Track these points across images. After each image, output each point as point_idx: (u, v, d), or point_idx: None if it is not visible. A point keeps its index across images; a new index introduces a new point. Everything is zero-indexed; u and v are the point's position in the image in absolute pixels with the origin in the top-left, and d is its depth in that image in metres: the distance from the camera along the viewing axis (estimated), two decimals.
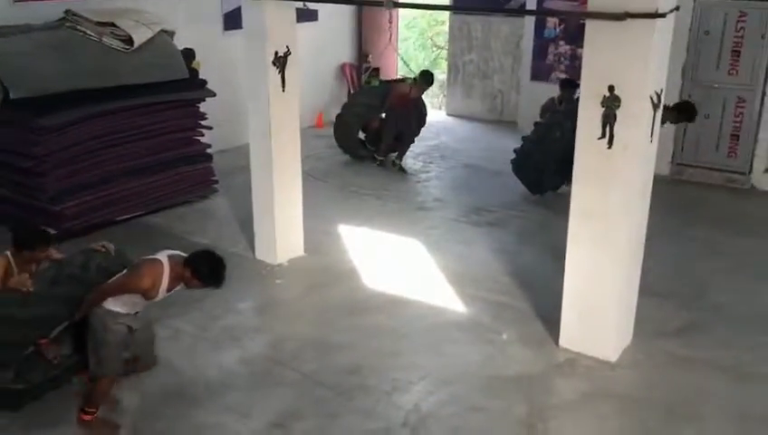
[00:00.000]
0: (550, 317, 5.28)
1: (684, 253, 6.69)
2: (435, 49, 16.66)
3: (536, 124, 8.25)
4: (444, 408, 4.49)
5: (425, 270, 6.42)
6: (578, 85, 7.73)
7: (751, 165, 8.57)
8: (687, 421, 4.33)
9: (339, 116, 9.67)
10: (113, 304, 3.97)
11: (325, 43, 11.25)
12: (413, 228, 7.37)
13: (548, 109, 8.47)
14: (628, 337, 5.16)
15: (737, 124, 8.55)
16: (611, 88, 4.44)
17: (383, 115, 9.42)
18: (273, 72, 5.96)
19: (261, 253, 6.55)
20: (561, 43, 9.82)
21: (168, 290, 3.94)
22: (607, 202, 4.66)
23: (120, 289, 3.93)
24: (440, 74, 13.27)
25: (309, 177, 8.55)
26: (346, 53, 12.00)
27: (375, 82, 11.18)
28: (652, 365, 4.95)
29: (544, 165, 7.82)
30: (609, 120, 4.50)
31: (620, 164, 4.56)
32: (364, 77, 11.79)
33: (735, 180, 8.66)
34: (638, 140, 4.51)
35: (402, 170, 9.22)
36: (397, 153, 9.37)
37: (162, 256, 3.92)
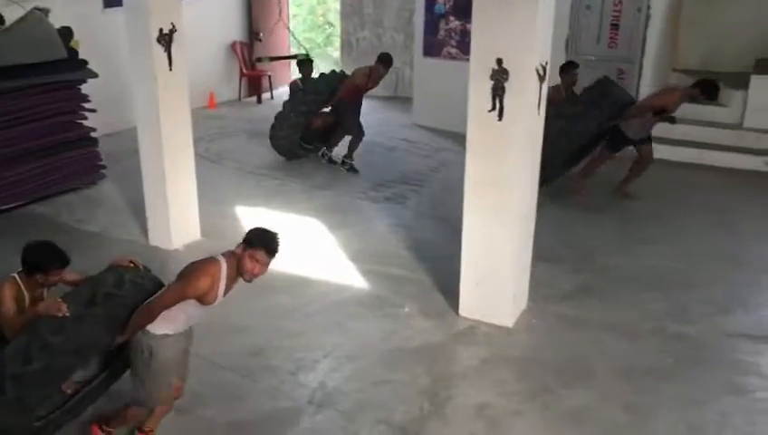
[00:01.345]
0: (449, 288, 5.39)
1: (573, 218, 6.98)
2: (327, 26, 16.53)
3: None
4: (349, 383, 4.51)
5: (325, 248, 6.40)
6: (577, 65, 7.92)
7: None
8: (581, 379, 4.54)
9: (273, 129, 8.54)
10: (161, 326, 3.53)
11: (214, 21, 10.93)
12: (312, 207, 7.33)
13: (553, 101, 7.92)
14: (524, 302, 5.36)
15: None
16: (499, 61, 4.55)
17: (334, 110, 8.49)
18: (159, 51, 5.73)
19: (155, 239, 6.34)
20: (452, 18, 9.94)
21: (225, 292, 3.54)
22: (499, 172, 4.79)
23: (174, 298, 3.45)
24: (333, 52, 13.20)
25: (203, 159, 8.34)
26: (236, 31, 11.72)
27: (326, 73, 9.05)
28: (547, 328, 5.16)
29: (557, 166, 7.36)
30: (498, 92, 4.61)
31: (510, 135, 4.69)
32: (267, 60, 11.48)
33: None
34: (526, 111, 4.65)
35: (353, 170, 8.36)
36: (347, 151, 8.45)
37: (215, 256, 3.53)
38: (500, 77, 4.58)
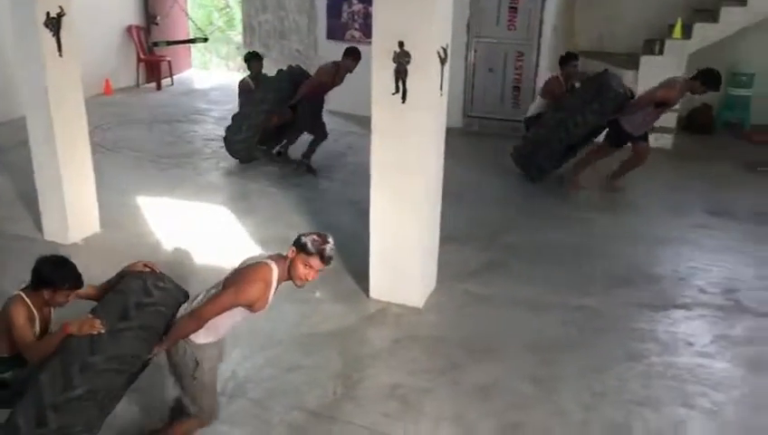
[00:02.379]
0: (360, 271, 5.41)
1: (478, 200, 7.13)
2: (228, 9, 16.16)
3: (538, 118, 7.55)
4: (261, 371, 4.47)
5: (233, 237, 6.29)
6: (577, 57, 7.82)
7: None
8: (488, 353, 4.67)
9: (230, 131, 7.81)
10: (206, 334, 3.36)
11: (107, 4, 10.47)
12: (218, 195, 7.19)
13: (552, 92, 7.57)
14: (433, 282, 5.44)
15: (518, 76, 9.21)
16: (401, 44, 4.57)
17: (294, 108, 7.76)
18: (47, 36, 5.44)
19: (50, 233, 6.05)
20: (355, 1, 9.90)
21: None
22: (404, 154, 4.83)
23: (226, 305, 3.25)
24: (235, 36, 12.92)
25: (100, 148, 8.02)
26: (131, 15, 11.27)
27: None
28: (456, 306, 5.27)
29: (554, 159, 7.43)
30: (401, 75, 4.63)
31: (414, 118, 4.73)
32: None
33: (520, 129, 9.32)
34: (428, 93, 4.70)
35: (311, 171, 7.86)
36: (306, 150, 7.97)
37: (264, 260, 3.34)
38: (402, 60, 4.61)
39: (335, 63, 7.62)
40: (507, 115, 9.34)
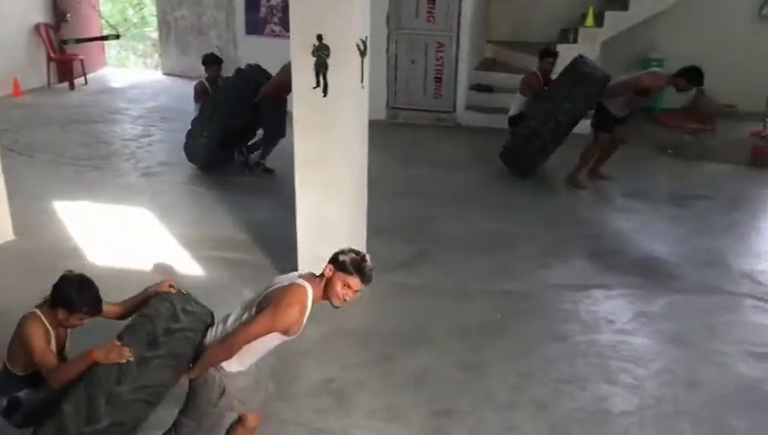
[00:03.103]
0: (289, 267, 5.30)
1: (404, 191, 7.18)
2: (142, 5, 15.71)
3: (520, 117, 7.55)
4: None
5: (156, 238, 6.14)
6: (555, 53, 7.79)
7: (454, 104, 9.41)
8: (419, 343, 4.72)
9: (190, 136, 7.50)
10: (237, 362, 3.18)
11: (11, 2, 10.01)
12: (140, 197, 6.99)
13: (531, 87, 7.59)
14: None
15: (439, 68, 9.31)
16: (320, 37, 4.56)
17: (255, 108, 7.42)
18: None
19: None
20: None
21: None
22: (328, 148, 4.82)
23: (262, 331, 3.05)
24: (151, 33, 12.59)
25: (11, 152, 7.69)
26: (39, 13, 10.81)
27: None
28: (385, 297, 5.29)
29: (546, 151, 7.42)
30: (321, 68, 4.62)
31: (336, 111, 4.73)
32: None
33: (443, 119, 9.46)
34: (349, 86, 4.71)
35: (268, 171, 7.58)
36: (259, 152, 7.74)
37: (297, 280, 3.14)
38: (322, 53, 4.60)
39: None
40: (431, 106, 9.43)
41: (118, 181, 7.43)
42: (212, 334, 3.25)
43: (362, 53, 4.74)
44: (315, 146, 4.83)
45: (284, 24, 9.59)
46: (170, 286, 3.36)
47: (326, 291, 3.12)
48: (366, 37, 4.80)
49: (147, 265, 5.62)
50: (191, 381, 3.26)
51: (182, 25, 11.37)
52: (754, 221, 6.72)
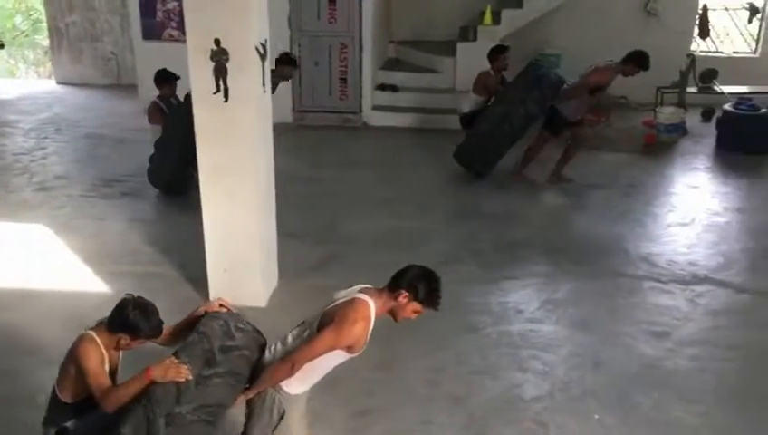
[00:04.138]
0: (198, 277, 5.25)
1: (313, 193, 7.15)
2: (31, 12, 14.98)
3: (472, 116, 7.56)
4: None
5: (56, 255, 5.88)
6: (507, 48, 7.66)
7: (360, 104, 9.45)
8: None
9: (154, 162, 7.07)
10: (299, 382, 3.08)
11: None
12: (35, 212, 6.67)
13: (486, 86, 7.55)
14: (275, 280, 5.40)
15: (344, 68, 9.31)
16: (217, 41, 4.48)
17: None
18: None
19: None
20: None
21: None
22: (232, 155, 4.74)
23: (326, 348, 2.96)
24: (43, 40, 12.03)
25: None
26: None
27: None
28: (300, 301, 5.23)
29: (501, 152, 7.42)
30: (220, 73, 4.54)
31: (239, 116, 4.66)
32: None
33: (350, 120, 9.48)
34: (251, 90, 4.65)
35: None
36: None
37: (359, 295, 3.04)
38: (220, 57, 4.52)
39: (272, 71, 7.11)
40: (337, 107, 9.43)
41: (11, 197, 7.06)
42: (270, 353, 3.17)
43: (263, 57, 4.69)
44: (219, 153, 4.74)
45: (183, 28, 9.34)
46: (221, 305, 3.29)
47: (392, 309, 3.10)
48: (266, 40, 4.75)
49: (47, 284, 5.37)
50: (249, 402, 3.18)
51: (74, 32, 10.92)
52: (649, 207, 7.06)
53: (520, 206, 7.01)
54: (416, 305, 3.08)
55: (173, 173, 6.88)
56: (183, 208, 6.55)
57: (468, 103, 7.75)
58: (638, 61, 6.84)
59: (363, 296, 3.04)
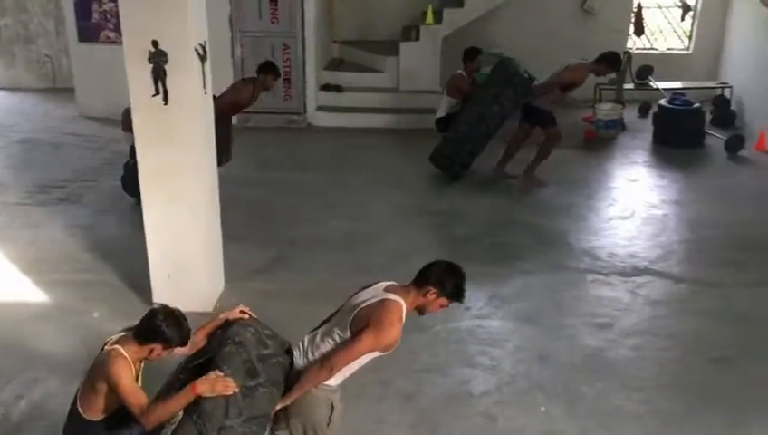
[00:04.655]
0: (141, 283, 5.16)
1: (259, 195, 7.08)
2: None
3: (447, 119, 7.56)
4: (35, 411, 4.12)
5: None
6: (481, 51, 7.62)
7: (304, 105, 9.39)
8: None
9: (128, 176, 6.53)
10: (338, 376, 3.13)
11: None
12: None
13: (459, 88, 7.59)
14: (221, 284, 5.34)
15: (287, 69, 9.23)
16: (155, 43, 4.39)
17: None
18: None
19: None
20: (106, 0, 9.32)
21: None
22: (174, 158, 4.66)
23: (365, 350, 3.03)
24: None
25: None
26: None
27: None
28: (246, 305, 5.19)
29: (477, 153, 7.45)
30: (159, 75, 4.46)
31: (180, 118, 4.58)
32: None
33: (295, 121, 9.41)
34: (192, 93, 4.58)
35: None
36: None
37: (390, 296, 3.08)
38: (159, 59, 4.44)
39: (251, 80, 6.87)
40: (281, 108, 9.34)
41: None
42: (302, 357, 3.19)
43: (203, 58, 4.62)
44: (160, 157, 4.66)
45: (120, 29, 9.16)
46: (242, 312, 3.26)
47: (420, 306, 3.16)
48: (205, 41, 4.68)
49: None
50: (286, 409, 3.16)
51: (6, 35, 10.56)
52: (591, 201, 7.22)
53: (466, 203, 7.08)
54: (443, 300, 3.16)
55: None
56: (124, 214, 6.41)
57: (443, 107, 7.79)
58: (610, 61, 7.13)
59: (394, 297, 3.10)
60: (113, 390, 2.97)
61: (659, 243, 6.28)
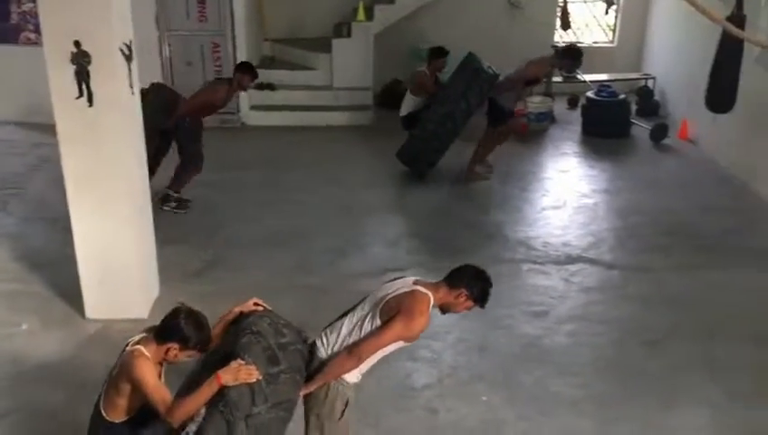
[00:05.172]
0: (71, 293, 5.00)
1: (193, 196, 6.91)
2: None
3: (412, 117, 7.54)
4: None
5: None
6: (447, 52, 7.57)
7: (238, 105, 9.24)
8: None
9: None
10: (356, 372, 3.22)
11: None
12: None
13: (423, 86, 7.59)
14: (156, 289, 5.22)
15: (218, 68, 9.07)
16: (77, 43, 4.27)
17: (167, 133, 6.49)
18: None
19: None
20: (25, 0, 8.98)
21: None
22: (101, 161, 4.54)
23: (392, 339, 3.12)
24: None
25: None
26: None
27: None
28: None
29: (443, 151, 7.45)
30: (82, 77, 4.33)
31: (105, 121, 4.46)
32: None
33: (228, 120, 9.23)
34: (117, 94, 4.47)
35: (183, 207, 6.64)
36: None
37: (418, 288, 3.18)
38: (82, 60, 4.31)
39: (227, 80, 6.66)
40: None
41: None
42: (326, 346, 3.25)
43: (128, 58, 4.50)
44: (87, 160, 4.52)
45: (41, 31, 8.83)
46: (256, 304, 3.28)
47: (447, 304, 3.27)
48: (130, 41, 4.56)
49: None
50: (308, 395, 3.23)
51: None
52: (525, 193, 7.36)
53: (404, 199, 7.12)
54: (470, 303, 3.28)
55: None
56: (52, 221, 6.19)
57: (407, 105, 7.79)
58: (574, 56, 7.27)
59: (424, 290, 3.19)
60: (137, 389, 2.97)
61: (591, 231, 6.46)
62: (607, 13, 10.82)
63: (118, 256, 4.76)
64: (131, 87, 4.61)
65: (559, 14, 10.45)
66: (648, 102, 9.72)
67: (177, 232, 6.04)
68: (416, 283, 3.25)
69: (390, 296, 3.19)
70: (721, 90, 6.36)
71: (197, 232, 6.25)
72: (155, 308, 5.05)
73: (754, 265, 5.84)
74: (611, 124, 8.91)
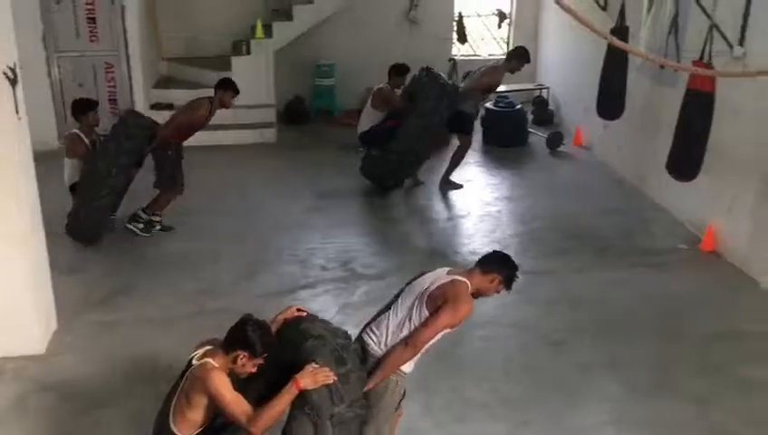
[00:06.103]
0: None
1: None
2: None
3: (376, 131, 7.59)
4: None
5: None
6: (408, 69, 7.63)
7: None
8: (142, 380, 4.44)
9: (79, 204, 6.13)
10: (411, 363, 3.42)
11: None
12: None
13: (389, 101, 7.64)
14: (53, 322, 4.97)
15: (112, 89, 8.83)
16: None
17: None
18: None
19: None
20: None
21: None
22: None
23: (442, 328, 3.32)
24: None
25: None
26: None
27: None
28: (85, 341, 4.89)
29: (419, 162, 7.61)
30: None
31: None
32: None
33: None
34: (3, 119, 4.26)
35: (168, 229, 6.53)
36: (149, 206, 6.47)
37: (458, 277, 3.41)
38: None
39: (208, 99, 6.35)
40: (106, 128, 8.85)
41: None
42: (377, 343, 3.41)
43: (13, 82, 4.28)
44: None
45: None
46: (298, 310, 3.40)
47: (481, 289, 3.48)
48: (15, 63, 4.34)
49: None
50: (371, 396, 3.35)
51: None
52: (431, 203, 7.50)
53: (309, 215, 7.08)
54: (500, 287, 3.50)
55: (103, 213, 6.18)
56: None
57: (366, 120, 7.77)
58: (520, 56, 7.49)
59: (463, 278, 3.41)
60: (213, 402, 2.98)
61: (496, 238, 6.62)
62: (500, 27, 11.22)
63: (9, 287, 4.51)
64: (17, 111, 4.37)
65: (455, 28, 10.73)
66: (544, 112, 10.11)
67: (78, 260, 5.78)
68: (450, 272, 3.46)
69: (433, 288, 3.39)
70: (610, 97, 6.71)
71: (99, 259, 6.00)
72: (53, 342, 4.81)
73: (647, 263, 6.15)
74: (510, 134, 9.21)
